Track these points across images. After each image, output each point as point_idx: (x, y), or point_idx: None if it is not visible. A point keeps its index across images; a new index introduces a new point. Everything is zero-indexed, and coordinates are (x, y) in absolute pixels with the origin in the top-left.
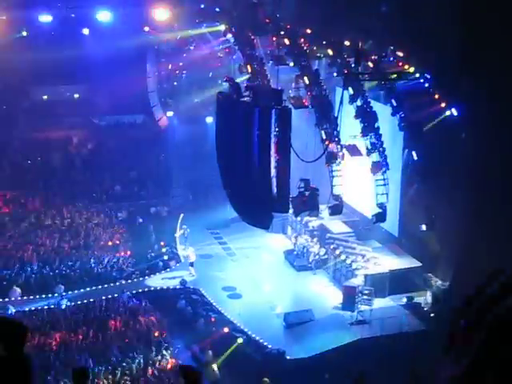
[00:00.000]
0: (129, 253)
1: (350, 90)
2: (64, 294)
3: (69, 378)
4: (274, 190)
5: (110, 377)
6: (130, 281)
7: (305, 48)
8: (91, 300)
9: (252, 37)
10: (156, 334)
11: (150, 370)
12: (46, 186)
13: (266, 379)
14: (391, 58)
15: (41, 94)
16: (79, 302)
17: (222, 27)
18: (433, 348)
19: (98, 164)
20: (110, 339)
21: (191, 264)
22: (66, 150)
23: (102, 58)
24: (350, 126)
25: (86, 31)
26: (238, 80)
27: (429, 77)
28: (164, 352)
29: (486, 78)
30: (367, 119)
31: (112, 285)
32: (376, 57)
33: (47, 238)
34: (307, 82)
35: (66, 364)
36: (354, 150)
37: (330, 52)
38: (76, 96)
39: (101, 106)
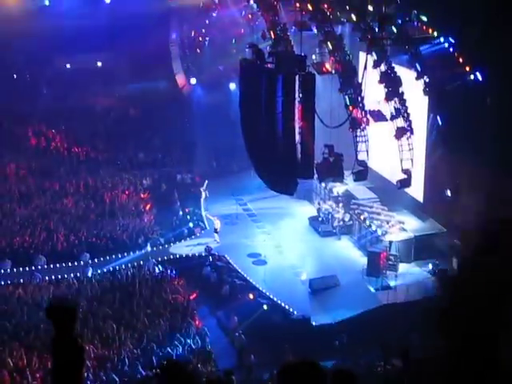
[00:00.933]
0: (154, 220)
1: (374, 55)
2: (90, 261)
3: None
4: (299, 155)
5: (136, 343)
6: (155, 248)
7: (328, 13)
8: (117, 268)
9: (275, 2)
10: (182, 301)
11: (175, 336)
12: (70, 154)
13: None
14: (415, 23)
15: (64, 62)
16: (105, 270)
17: None
18: (454, 313)
19: (122, 132)
20: (137, 306)
21: (216, 231)
22: (89, 118)
23: (124, 25)
24: (374, 92)
25: None
26: (261, 46)
27: (453, 41)
28: (189, 319)
29: (511, 41)
30: (391, 84)
31: (138, 252)
32: (400, 21)
33: (73, 206)
34: (330, 47)
35: (94, 330)
36: (378, 116)
37: (354, 17)
38: (99, 64)
39: (124, 73)
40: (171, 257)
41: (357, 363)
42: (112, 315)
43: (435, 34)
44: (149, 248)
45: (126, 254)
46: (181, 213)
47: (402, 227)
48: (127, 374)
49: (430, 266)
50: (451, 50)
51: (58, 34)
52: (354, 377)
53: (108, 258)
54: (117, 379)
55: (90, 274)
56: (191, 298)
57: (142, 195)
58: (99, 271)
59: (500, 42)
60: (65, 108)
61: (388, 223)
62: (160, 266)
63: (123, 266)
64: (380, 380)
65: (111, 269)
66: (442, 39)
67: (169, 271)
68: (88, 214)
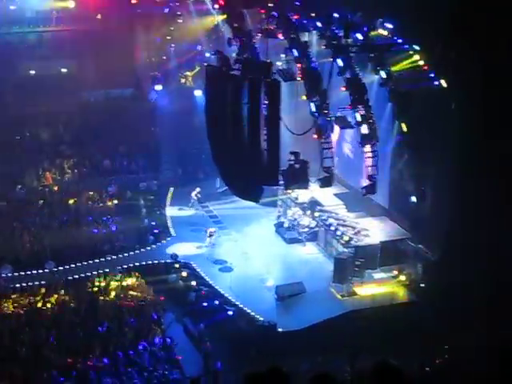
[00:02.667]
0: (119, 227)
1: (339, 62)
2: (55, 269)
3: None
4: (264, 162)
5: (102, 351)
6: (120, 255)
7: (293, 20)
8: (82, 275)
9: (240, 9)
10: (148, 309)
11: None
12: (34, 161)
13: None
14: (380, 30)
15: (28, 69)
16: (70, 278)
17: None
18: (423, 319)
19: (87, 139)
20: (102, 314)
21: (210, 234)
22: (54, 125)
23: (89, 32)
24: (339, 99)
25: (71, 4)
26: (226, 53)
27: (418, 48)
28: (156, 326)
29: (476, 48)
30: (356, 91)
31: (103, 260)
32: (365, 29)
33: (37, 214)
34: (296, 54)
35: (61, 340)
36: (343, 123)
37: (319, 24)
38: (64, 71)
39: (89, 80)
40: (137, 263)
41: (325, 369)
42: (78, 323)
43: (400, 41)
44: (114, 255)
45: (91, 262)
46: (146, 220)
47: (367, 233)
48: (93, 382)
49: (396, 272)
50: (416, 57)
51: (23, 40)
52: (333, 379)
53: (73, 265)
54: None
55: (54, 282)
56: (157, 304)
57: (108, 202)
58: (64, 279)
59: (464, 49)
60: (29, 115)
61: (354, 229)
62: (125, 274)
63: (88, 273)
64: None
65: (77, 276)
66: (406, 47)
67: (135, 278)
68: (53, 222)
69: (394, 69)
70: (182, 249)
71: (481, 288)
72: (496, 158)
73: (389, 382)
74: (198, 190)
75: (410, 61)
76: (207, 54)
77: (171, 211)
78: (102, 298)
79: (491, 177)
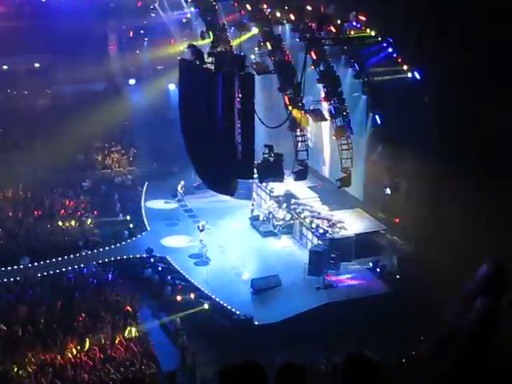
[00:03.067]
0: (94, 222)
1: (313, 55)
2: (29, 265)
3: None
4: (239, 156)
5: (78, 347)
6: (95, 250)
7: (267, 13)
8: (57, 271)
9: (213, 3)
10: (123, 304)
11: (117, 340)
12: (8, 156)
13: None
14: (354, 23)
15: (1, 64)
16: (45, 273)
17: None
18: (399, 310)
19: (60, 134)
20: (78, 310)
21: (201, 229)
22: (27, 120)
23: (62, 26)
24: (313, 91)
25: None
26: (200, 47)
27: (391, 41)
28: (131, 321)
29: (448, 41)
30: (330, 84)
31: (78, 255)
32: (338, 21)
33: (11, 209)
34: (270, 47)
35: (35, 336)
36: (317, 115)
37: (292, 17)
38: (37, 65)
39: (62, 74)
40: (112, 259)
41: (301, 361)
42: (53, 319)
43: (373, 33)
44: (89, 251)
45: (66, 257)
46: (121, 215)
47: (342, 226)
48: (69, 378)
49: (371, 264)
50: (390, 49)
51: None
52: (302, 370)
53: (48, 261)
54: None
55: (29, 278)
56: (133, 299)
57: (82, 198)
58: (39, 275)
59: (437, 42)
60: (2, 110)
61: (329, 222)
62: (100, 269)
63: (63, 269)
64: (322, 377)
65: (51, 272)
66: (380, 39)
67: (110, 273)
68: (27, 217)
69: (367, 61)
70: (173, 242)
71: (456, 278)
72: (471, 149)
73: (362, 373)
74: (182, 183)
75: (383, 53)
76: (180, 48)
77: (149, 204)
78: (77, 293)
79: (466, 168)
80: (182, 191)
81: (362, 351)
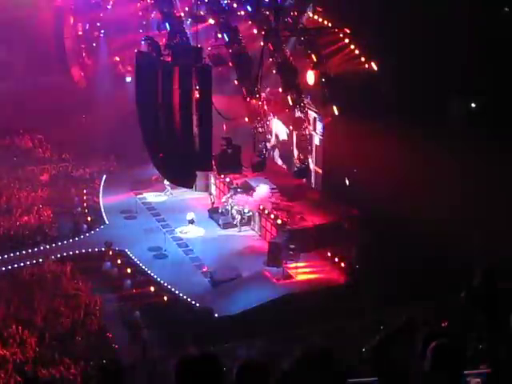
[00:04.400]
0: (52, 216)
1: (270, 46)
2: None
3: None
4: (197, 148)
5: (38, 341)
6: (54, 244)
7: (223, 5)
8: (15, 265)
9: None
10: (83, 297)
11: (78, 333)
12: None
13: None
14: (311, 14)
15: None
16: (3, 268)
17: None
18: (358, 300)
19: (19, 127)
20: (37, 304)
21: (191, 222)
22: None
23: (19, 17)
24: (270, 82)
25: None
26: (156, 39)
27: (348, 31)
28: (91, 315)
29: (406, 30)
30: (288, 75)
31: (36, 249)
32: (296, 12)
33: None
34: (226, 38)
35: None
36: (275, 106)
37: (249, 8)
38: None
39: (19, 68)
40: (70, 253)
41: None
42: (11, 314)
43: (330, 24)
44: (47, 245)
45: (24, 252)
46: (79, 208)
47: (301, 217)
48: (29, 374)
49: (330, 255)
50: (346, 41)
51: None
52: (265, 367)
53: (6, 256)
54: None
55: None
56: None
57: (40, 191)
58: None
59: (394, 33)
60: None
61: (287, 213)
62: (59, 263)
63: (21, 264)
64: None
65: (9, 267)
66: (337, 30)
67: (68, 267)
68: None
69: (324, 52)
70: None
71: (415, 267)
72: (426, 138)
73: (317, 365)
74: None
75: (340, 44)
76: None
77: (105, 199)
78: (36, 287)
79: (422, 155)
80: (169, 185)
81: (317, 343)
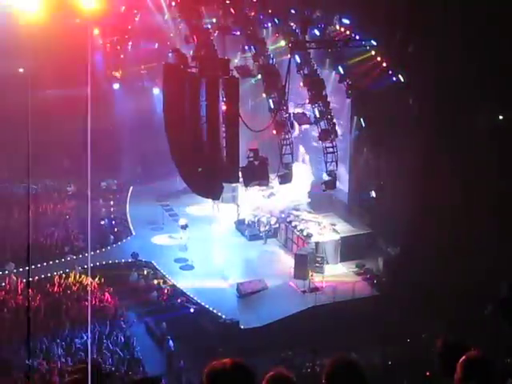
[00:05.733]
0: (79, 227)
1: (297, 59)
2: (15, 271)
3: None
4: (224, 160)
5: (64, 353)
6: (81, 256)
7: (251, 17)
8: (42, 276)
9: (197, 6)
10: (110, 309)
11: (104, 345)
12: None
13: None
14: (338, 26)
15: None
16: (30, 279)
17: None
18: (385, 312)
19: (45, 139)
20: (64, 315)
21: (183, 227)
22: (10, 126)
23: (45, 30)
24: (297, 95)
25: None
26: (184, 50)
27: (375, 44)
28: (117, 326)
29: (432, 44)
30: (314, 87)
31: (63, 260)
32: (322, 25)
33: None
34: (254, 50)
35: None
36: (302, 118)
37: (277, 20)
38: (21, 70)
39: (45, 80)
40: (97, 263)
41: (288, 365)
42: (39, 325)
43: (357, 37)
44: (74, 256)
45: (51, 262)
46: (106, 220)
47: (331, 228)
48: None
49: (355, 266)
50: (373, 53)
51: None
52: (291, 380)
53: (33, 266)
54: None
55: (14, 284)
56: (118, 304)
57: (67, 203)
58: (24, 280)
59: (421, 45)
60: None
61: (317, 225)
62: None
63: (49, 274)
64: (309, 380)
65: (37, 277)
66: (364, 42)
67: (96, 279)
68: (11, 223)
69: (351, 64)
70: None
71: (441, 281)
72: (455, 152)
73: (347, 376)
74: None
75: (367, 56)
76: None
77: (132, 210)
78: (63, 298)
79: (451, 170)
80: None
81: (346, 354)
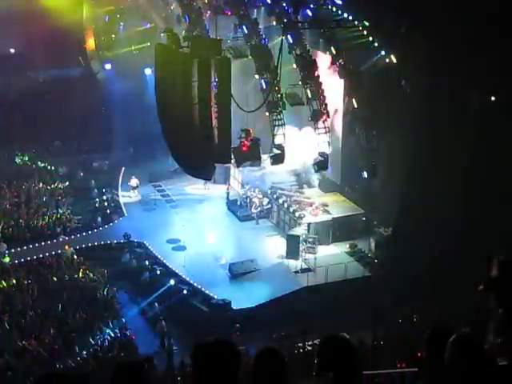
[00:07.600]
0: (71, 208)
1: (289, 39)
2: (7, 252)
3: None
4: (216, 140)
5: (56, 332)
6: (73, 236)
7: None
8: (35, 257)
9: None
10: (101, 289)
11: (96, 325)
12: None
13: None
14: (330, 6)
15: None
16: (22, 260)
17: None
18: (376, 293)
19: (37, 119)
20: (56, 296)
21: (134, 188)
22: (3, 106)
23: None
24: (289, 75)
25: None
26: (176, 31)
27: (367, 24)
28: (110, 307)
29: (424, 24)
30: (307, 68)
31: (55, 241)
32: (314, 5)
33: None
34: (246, 31)
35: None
36: (294, 99)
37: (269, 1)
38: (12, 50)
39: (37, 60)
40: (89, 245)
41: (280, 345)
42: (30, 305)
43: (350, 17)
44: (66, 236)
45: (43, 243)
46: (97, 200)
47: (323, 209)
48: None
49: (348, 247)
50: (365, 33)
51: None
52: (281, 354)
53: (25, 247)
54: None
55: (7, 264)
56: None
57: (59, 183)
58: (17, 261)
59: (413, 25)
60: None
61: (308, 205)
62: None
63: (41, 255)
64: (300, 360)
65: (29, 258)
66: (356, 23)
67: (88, 259)
68: (3, 204)
69: (343, 44)
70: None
71: (432, 261)
72: (446, 133)
73: (338, 354)
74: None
75: (359, 36)
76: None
77: (124, 191)
78: (54, 278)
79: (443, 151)
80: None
81: (337, 333)
